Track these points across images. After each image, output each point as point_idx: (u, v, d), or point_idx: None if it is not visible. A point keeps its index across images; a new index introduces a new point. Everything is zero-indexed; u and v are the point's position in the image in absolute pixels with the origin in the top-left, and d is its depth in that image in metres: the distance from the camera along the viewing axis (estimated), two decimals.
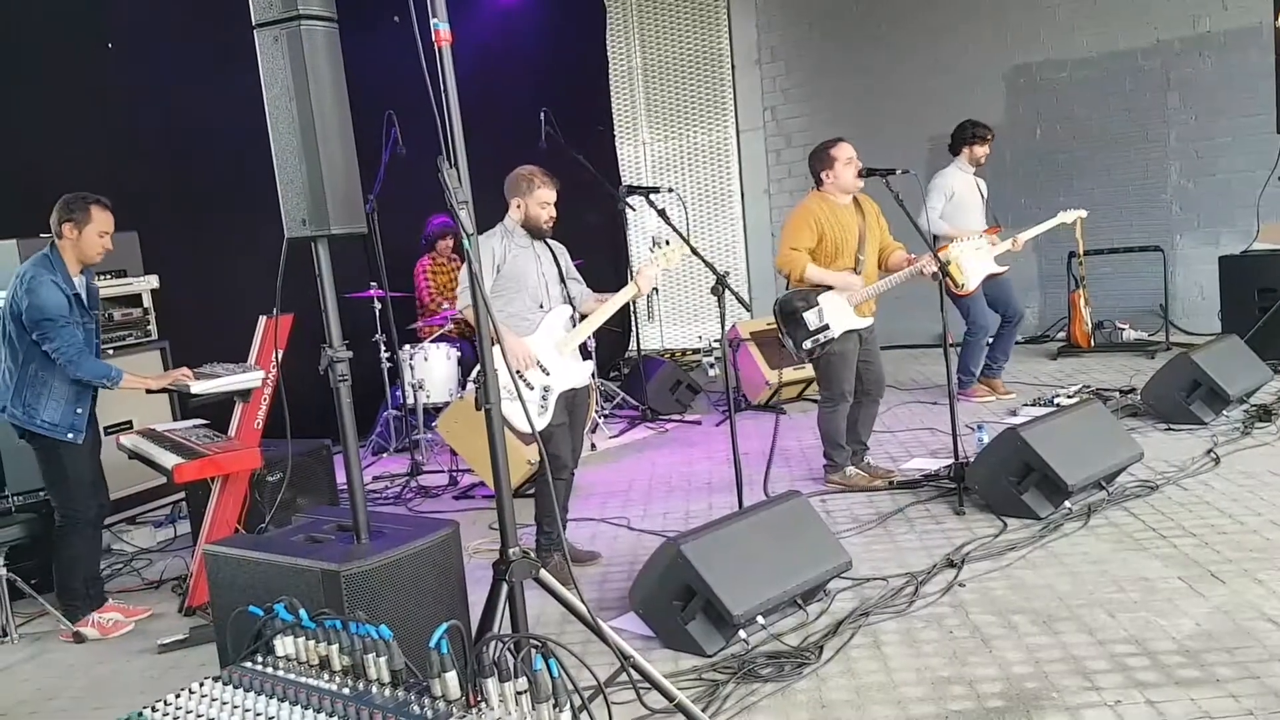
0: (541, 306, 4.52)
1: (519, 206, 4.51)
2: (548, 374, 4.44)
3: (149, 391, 4.64)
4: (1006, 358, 7.29)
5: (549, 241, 4.63)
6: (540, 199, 4.47)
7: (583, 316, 4.73)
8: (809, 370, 6.23)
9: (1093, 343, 8.48)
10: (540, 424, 4.36)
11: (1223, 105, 8.66)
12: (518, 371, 4.31)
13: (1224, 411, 5.91)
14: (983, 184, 7.30)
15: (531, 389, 4.39)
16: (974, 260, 6.38)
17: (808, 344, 5.22)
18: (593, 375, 5.67)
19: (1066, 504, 4.58)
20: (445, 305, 7.45)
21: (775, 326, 7.71)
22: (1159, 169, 9.01)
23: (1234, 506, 4.52)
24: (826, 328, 5.23)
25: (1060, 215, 6.66)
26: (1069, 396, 6.46)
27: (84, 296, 4.38)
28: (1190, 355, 5.93)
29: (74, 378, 4.20)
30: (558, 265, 4.64)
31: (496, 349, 2.88)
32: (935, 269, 5.05)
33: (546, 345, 4.47)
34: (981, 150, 7.15)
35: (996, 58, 9.52)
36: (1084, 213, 6.47)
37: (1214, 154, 8.76)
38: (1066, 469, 4.52)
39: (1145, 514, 4.53)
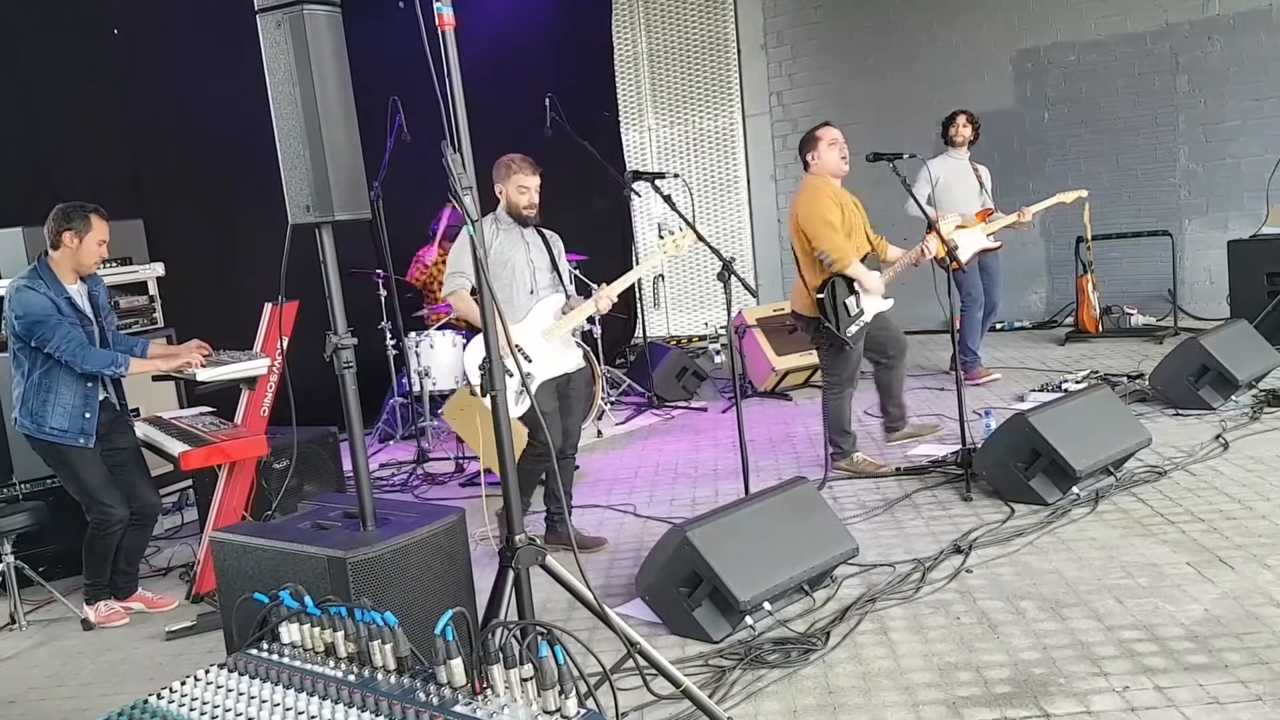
0: (532, 293, 4.52)
1: (500, 192, 4.52)
2: (529, 360, 4.43)
3: (155, 379, 4.64)
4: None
5: (542, 231, 4.63)
6: (518, 184, 4.47)
7: None
8: (815, 357, 6.24)
9: (1101, 328, 8.45)
10: (517, 411, 4.36)
11: (1232, 88, 8.60)
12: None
13: (1233, 396, 5.88)
14: (985, 171, 7.27)
15: (511, 376, 4.39)
16: (964, 237, 6.42)
17: (852, 329, 5.32)
18: (599, 360, 5.62)
19: (1074, 490, 4.57)
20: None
21: (781, 312, 7.73)
22: (1167, 153, 8.96)
23: (1243, 492, 4.51)
24: (863, 312, 5.35)
25: (1059, 195, 6.61)
26: (1077, 382, 6.47)
27: (80, 301, 4.29)
28: (1199, 340, 5.90)
29: (82, 371, 4.17)
30: (549, 253, 4.63)
31: (500, 337, 2.87)
32: (939, 253, 5.08)
33: (533, 332, 4.47)
34: (964, 132, 7.16)
35: (1004, 41, 9.46)
36: (1084, 192, 6.42)
37: (1223, 137, 8.71)
38: (1074, 454, 4.50)
39: (1153, 499, 4.51)
